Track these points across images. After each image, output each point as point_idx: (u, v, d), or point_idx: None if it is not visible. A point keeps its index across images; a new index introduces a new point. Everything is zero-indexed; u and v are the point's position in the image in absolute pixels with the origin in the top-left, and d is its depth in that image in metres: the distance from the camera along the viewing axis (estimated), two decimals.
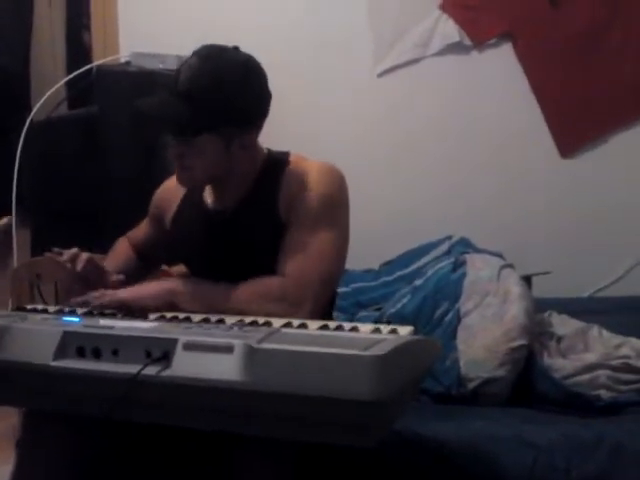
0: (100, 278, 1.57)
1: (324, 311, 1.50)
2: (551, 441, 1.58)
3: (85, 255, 1.55)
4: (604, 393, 1.77)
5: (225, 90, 1.44)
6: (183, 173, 1.52)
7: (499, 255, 2.13)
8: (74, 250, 1.55)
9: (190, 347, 1.12)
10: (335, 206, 1.50)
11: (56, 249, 1.57)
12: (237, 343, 1.10)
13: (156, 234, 1.73)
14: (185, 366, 1.11)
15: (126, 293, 1.48)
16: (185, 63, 1.48)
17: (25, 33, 3.25)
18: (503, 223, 2.70)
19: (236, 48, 1.51)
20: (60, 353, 1.17)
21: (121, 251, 1.75)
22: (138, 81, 2.52)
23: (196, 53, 1.49)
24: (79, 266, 1.53)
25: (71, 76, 2.94)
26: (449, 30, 2.78)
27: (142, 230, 1.78)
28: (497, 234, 2.51)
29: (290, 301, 1.41)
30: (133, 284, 1.55)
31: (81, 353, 1.17)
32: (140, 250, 1.75)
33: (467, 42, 2.78)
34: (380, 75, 2.84)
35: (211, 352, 1.11)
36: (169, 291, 1.46)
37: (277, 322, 1.31)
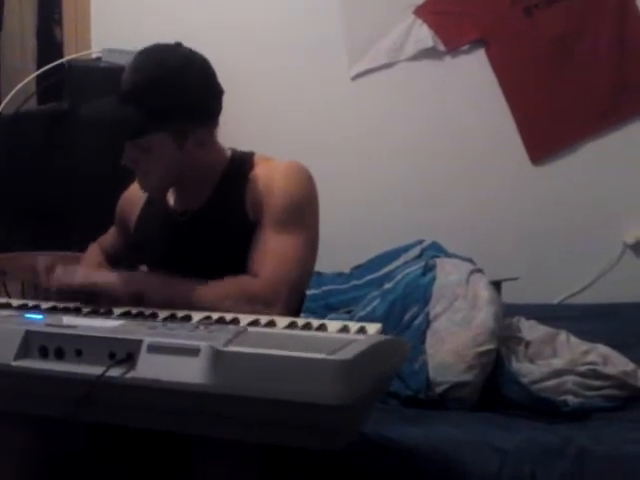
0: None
1: (293, 312, 1.49)
2: (517, 446, 1.58)
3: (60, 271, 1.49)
4: (571, 399, 1.78)
5: (166, 85, 1.41)
6: (142, 179, 1.50)
7: (469, 260, 2.13)
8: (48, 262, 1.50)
9: (155, 349, 1.09)
10: (304, 205, 1.49)
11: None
12: (203, 345, 1.07)
13: (124, 240, 1.71)
14: (149, 368, 1.09)
15: (98, 277, 1.46)
16: (129, 64, 1.46)
17: None
18: (474, 228, 2.72)
19: (178, 44, 1.48)
20: (22, 353, 1.14)
21: (92, 258, 1.72)
22: (109, 77, 2.47)
23: (138, 53, 1.47)
24: (53, 284, 1.47)
25: (41, 70, 2.90)
26: (423, 35, 2.80)
27: (110, 237, 1.76)
28: (468, 239, 2.52)
29: (261, 302, 1.39)
30: None
31: (44, 353, 1.14)
32: (111, 256, 1.73)
33: (441, 48, 2.80)
34: (354, 78, 2.84)
35: (176, 354, 1.08)
36: (140, 282, 1.44)
37: (244, 319, 1.30)
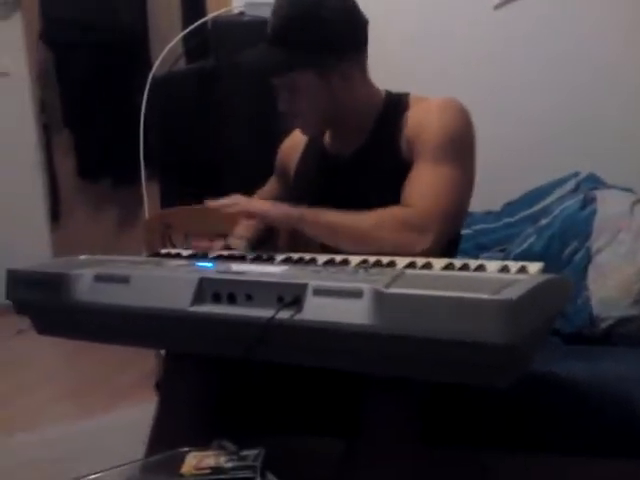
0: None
1: (448, 250, 1.49)
2: None
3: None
4: None
5: (304, 19, 1.43)
6: (296, 121, 1.54)
7: (629, 190, 2.03)
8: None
9: (320, 292, 1.13)
10: (459, 139, 1.46)
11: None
12: (366, 288, 1.10)
13: (284, 189, 1.76)
14: (316, 310, 1.13)
15: (257, 207, 1.50)
16: (272, 9, 1.49)
17: None
18: (632, 157, 2.56)
19: None
20: (197, 299, 1.21)
21: None
22: (253, 30, 2.52)
23: None
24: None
25: (187, 30, 3.00)
26: None
27: (270, 187, 1.81)
28: (627, 169, 2.38)
29: (415, 230, 1.39)
30: (265, 244, 1.57)
31: (217, 298, 1.21)
32: None
33: None
34: (497, 7, 2.73)
35: (340, 297, 1.11)
36: (296, 216, 1.46)
37: (400, 262, 1.31)
